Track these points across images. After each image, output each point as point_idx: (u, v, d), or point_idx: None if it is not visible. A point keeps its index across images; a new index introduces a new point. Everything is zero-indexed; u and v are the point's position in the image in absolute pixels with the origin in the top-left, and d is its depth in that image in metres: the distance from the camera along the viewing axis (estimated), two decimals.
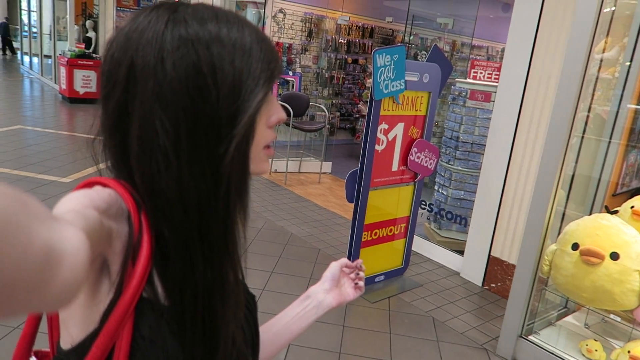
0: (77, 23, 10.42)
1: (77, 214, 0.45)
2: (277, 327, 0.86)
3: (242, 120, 0.55)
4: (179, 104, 0.53)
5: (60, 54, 9.93)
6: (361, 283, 0.94)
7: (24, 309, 0.31)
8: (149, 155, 0.55)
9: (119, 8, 9.54)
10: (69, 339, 0.56)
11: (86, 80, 9.32)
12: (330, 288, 0.90)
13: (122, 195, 0.55)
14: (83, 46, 9.63)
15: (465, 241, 3.58)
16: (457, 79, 4.03)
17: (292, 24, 7.12)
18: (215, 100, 0.54)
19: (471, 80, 3.79)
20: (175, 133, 0.54)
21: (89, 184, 0.57)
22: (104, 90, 0.57)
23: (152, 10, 0.56)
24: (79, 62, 9.20)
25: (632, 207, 2.39)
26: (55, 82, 10.80)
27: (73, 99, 9.28)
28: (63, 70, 9.34)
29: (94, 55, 9.66)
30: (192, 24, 0.55)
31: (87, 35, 10.19)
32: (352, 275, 0.94)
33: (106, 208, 0.53)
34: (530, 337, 2.55)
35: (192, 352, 0.58)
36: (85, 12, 10.56)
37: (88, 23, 10.17)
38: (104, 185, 0.56)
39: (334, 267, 0.92)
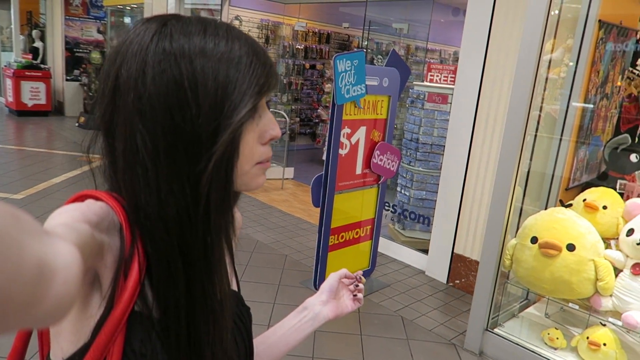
0: (22, 33, 10.00)
1: (68, 227, 0.45)
2: (272, 339, 0.85)
3: (222, 137, 0.54)
4: (157, 119, 0.53)
5: (5, 65, 9.52)
6: (360, 295, 0.91)
7: (17, 325, 0.31)
8: (131, 170, 0.55)
9: (67, 17, 9.22)
10: (59, 352, 0.55)
11: (34, 92, 8.96)
12: (328, 300, 0.88)
13: (114, 208, 0.55)
14: (30, 57, 9.25)
15: (429, 240, 3.67)
16: (415, 82, 4.13)
17: (249, 30, 7.10)
18: (196, 117, 0.53)
19: (428, 83, 3.90)
20: (154, 148, 0.53)
21: (80, 197, 0.56)
22: (98, 102, 0.58)
23: (143, 23, 0.56)
24: (26, 73, 8.83)
25: (584, 200, 2.52)
26: (1, 95, 10.32)
27: (21, 112, 8.90)
28: (9, 82, 8.95)
29: (41, 65, 9.30)
30: (178, 38, 0.54)
31: (34, 45, 9.79)
32: (352, 287, 0.91)
33: (98, 221, 0.53)
34: (496, 330, 2.64)
35: None
36: (31, 22, 10.14)
37: (35, 33, 9.78)
38: (96, 198, 0.56)
39: (332, 278, 0.90)
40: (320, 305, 0.88)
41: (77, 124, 8.45)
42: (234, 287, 0.74)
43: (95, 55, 8.00)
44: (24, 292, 0.30)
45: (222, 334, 0.62)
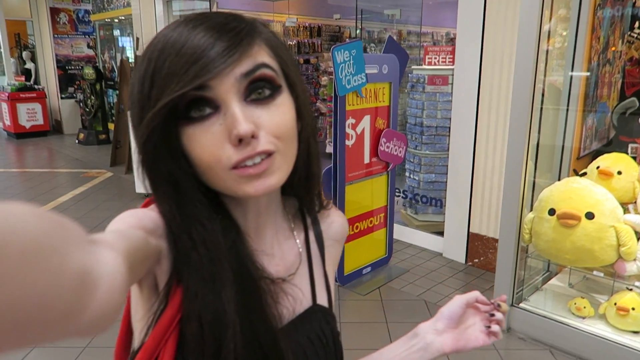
0: (12, 55, 9.98)
1: (119, 234, 0.45)
2: None
3: (140, 131, 0.53)
4: (132, 112, 0.56)
5: None
6: (497, 328, 0.72)
7: (62, 334, 0.31)
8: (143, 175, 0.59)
9: (56, 35, 9.19)
10: (135, 343, 0.58)
11: (31, 114, 8.95)
12: (445, 329, 0.73)
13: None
14: (23, 78, 9.24)
15: (443, 222, 3.67)
16: (413, 67, 4.11)
17: None
18: (138, 111, 0.54)
19: (427, 67, 3.88)
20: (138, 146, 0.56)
21: (148, 204, 0.59)
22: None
23: None
24: (21, 95, 8.82)
25: (597, 167, 2.52)
26: None
27: (20, 134, 8.89)
28: (5, 106, 8.94)
29: (35, 86, 9.29)
30: (161, 31, 0.54)
31: (26, 67, 9.79)
32: (485, 315, 0.73)
33: (154, 228, 0.55)
34: (521, 305, 2.64)
35: None
36: (20, 43, 10.13)
37: (25, 54, 9.77)
38: None
39: (456, 303, 0.73)
40: (434, 335, 0.73)
41: (77, 141, 8.45)
42: (322, 302, 0.69)
43: (88, 71, 7.97)
44: (66, 302, 0.29)
45: (256, 336, 0.56)
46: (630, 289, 2.40)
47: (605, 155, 2.57)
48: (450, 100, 3.57)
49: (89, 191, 5.45)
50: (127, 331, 0.61)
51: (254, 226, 0.63)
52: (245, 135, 0.51)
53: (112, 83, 8.55)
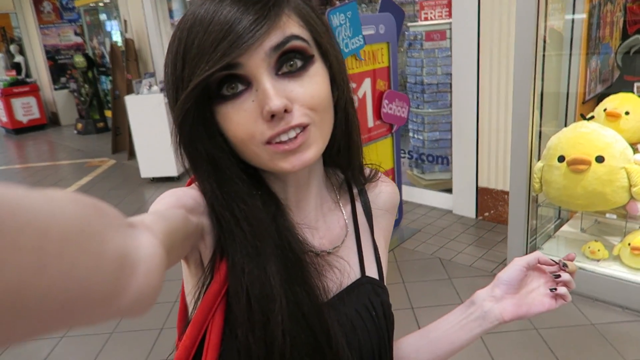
0: (0, 50, 9.84)
1: (158, 216, 0.45)
2: (434, 335, 0.72)
3: (175, 112, 0.53)
4: (167, 93, 0.57)
5: None
6: (564, 290, 0.67)
7: (104, 315, 0.31)
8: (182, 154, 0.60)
9: (41, 26, 9.03)
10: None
11: (27, 108, 8.89)
12: (504, 295, 0.67)
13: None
14: (14, 73, 9.13)
15: (451, 179, 3.67)
16: (409, 24, 4.03)
17: None
18: (173, 92, 0.55)
19: (424, 22, 3.80)
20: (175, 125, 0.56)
21: (191, 182, 0.60)
22: None
23: None
24: (14, 90, 8.74)
25: (604, 109, 2.49)
26: None
27: (18, 130, 8.86)
28: None
29: (27, 80, 9.19)
30: (190, 8, 0.53)
31: (15, 60, 9.65)
32: (550, 276, 0.68)
33: (194, 206, 0.55)
34: None
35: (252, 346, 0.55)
36: (6, 37, 9.97)
37: (13, 48, 9.62)
38: None
39: (515, 266, 0.68)
40: (491, 302, 0.68)
41: (75, 131, 8.42)
42: (372, 273, 0.67)
43: (79, 59, 7.86)
44: (106, 285, 0.30)
45: (300, 307, 0.55)
46: None
47: (612, 97, 2.54)
48: (450, 56, 3.51)
49: (95, 180, 5.47)
50: (185, 306, 0.63)
51: (295, 199, 0.62)
52: (278, 111, 0.50)
53: (104, 69, 8.44)
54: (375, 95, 3.20)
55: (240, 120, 0.52)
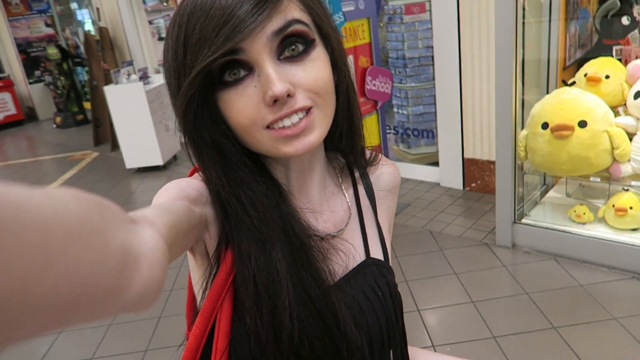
0: None
1: (161, 209, 0.45)
2: None
3: (179, 100, 0.52)
4: (169, 80, 0.56)
5: None
6: None
7: (109, 311, 0.31)
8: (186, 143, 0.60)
9: (10, 18, 8.75)
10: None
11: (2, 104, 8.67)
12: None
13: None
14: None
15: (437, 152, 3.70)
16: None
17: None
18: (175, 79, 0.54)
19: None
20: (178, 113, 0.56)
21: (195, 170, 0.60)
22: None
23: None
24: None
25: (585, 74, 2.52)
26: None
27: None
28: None
29: (0, 75, 8.94)
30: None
31: None
32: None
33: (197, 196, 0.56)
34: (523, 220, 2.72)
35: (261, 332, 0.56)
36: None
37: None
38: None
39: None
40: None
41: (54, 125, 8.26)
42: (377, 255, 0.68)
43: (52, 51, 7.66)
44: (110, 280, 0.30)
45: (307, 292, 0.56)
46: (627, 189, 2.47)
47: (592, 61, 2.56)
48: (431, 28, 3.50)
49: (79, 174, 5.39)
50: (192, 296, 0.63)
51: (298, 184, 0.63)
52: (280, 96, 0.50)
53: (80, 60, 8.25)
54: (358, 72, 3.19)
55: (242, 106, 0.52)
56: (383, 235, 0.70)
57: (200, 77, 0.49)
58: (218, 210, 0.56)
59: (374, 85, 3.25)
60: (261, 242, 0.54)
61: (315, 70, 0.53)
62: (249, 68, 0.51)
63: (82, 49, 7.17)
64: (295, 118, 0.52)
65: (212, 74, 0.51)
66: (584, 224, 2.57)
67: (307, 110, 0.53)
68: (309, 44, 0.53)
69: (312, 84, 0.53)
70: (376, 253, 0.68)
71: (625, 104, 2.40)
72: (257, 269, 0.53)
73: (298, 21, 0.52)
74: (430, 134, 3.96)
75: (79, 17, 8.17)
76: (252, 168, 0.56)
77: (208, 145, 0.54)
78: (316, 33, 0.55)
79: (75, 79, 8.27)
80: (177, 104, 0.52)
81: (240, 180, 0.55)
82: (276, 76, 0.50)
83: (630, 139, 2.34)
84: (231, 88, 0.51)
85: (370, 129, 3.39)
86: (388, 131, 4.12)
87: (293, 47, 0.52)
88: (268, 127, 0.52)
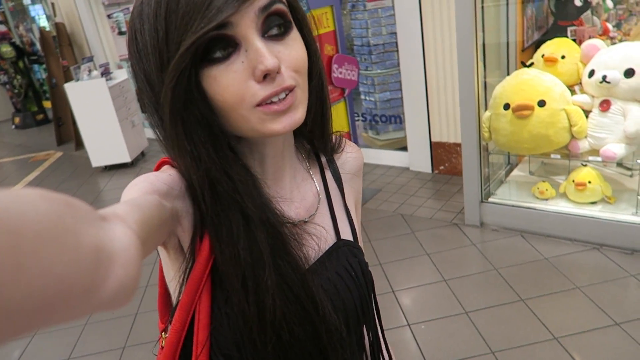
0: None
1: (132, 205, 0.45)
2: None
3: (168, 77, 0.50)
4: (144, 63, 0.55)
5: None
6: None
7: (85, 310, 0.31)
8: (160, 135, 0.59)
9: None
10: (174, 301, 0.61)
11: None
12: None
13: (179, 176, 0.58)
14: None
15: (405, 137, 3.76)
16: None
17: None
18: (155, 59, 0.53)
19: None
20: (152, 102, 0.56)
21: (162, 163, 0.59)
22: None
23: None
24: None
25: (542, 55, 2.61)
26: None
27: None
28: None
29: None
30: None
31: None
32: None
33: (167, 190, 0.55)
34: (490, 199, 2.81)
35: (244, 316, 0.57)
36: None
37: None
38: (171, 164, 0.59)
39: None
40: None
41: (13, 126, 7.97)
42: (346, 236, 0.69)
43: (6, 49, 7.37)
44: (84, 279, 0.30)
45: (285, 279, 0.57)
46: (585, 165, 2.58)
47: (548, 42, 2.65)
48: (394, 14, 3.54)
49: (43, 175, 5.24)
50: (165, 293, 0.63)
51: (272, 171, 0.63)
52: (273, 70, 0.50)
53: (36, 57, 7.96)
54: (324, 61, 3.20)
55: (230, 82, 0.51)
56: (351, 217, 0.71)
57: (192, 49, 0.48)
58: (198, 196, 0.55)
59: (341, 73, 3.27)
60: (250, 220, 0.55)
61: (296, 49, 0.54)
62: (235, 44, 0.51)
63: (38, 46, 6.92)
64: (282, 95, 0.52)
65: (196, 51, 0.50)
66: (547, 199, 2.68)
67: (291, 90, 0.54)
68: (287, 25, 0.54)
69: (294, 62, 0.53)
70: (346, 234, 0.69)
71: (580, 83, 2.50)
72: (243, 249, 0.54)
73: (280, 0, 0.53)
74: (398, 120, 4.02)
75: (32, 13, 7.87)
76: (233, 150, 0.57)
77: (198, 122, 0.53)
78: (291, 16, 0.56)
79: (33, 77, 7.98)
80: (166, 80, 0.50)
81: (230, 157, 0.55)
82: (267, 50, 0.50)
83: (587, 116, 2.44)
84: (216, 65, 0.51)
85: (339, 117, 3.42)
86: (356, 118, 4.16)
87: (276, 25, 0.52)
88: (258, 104, 0.52)
